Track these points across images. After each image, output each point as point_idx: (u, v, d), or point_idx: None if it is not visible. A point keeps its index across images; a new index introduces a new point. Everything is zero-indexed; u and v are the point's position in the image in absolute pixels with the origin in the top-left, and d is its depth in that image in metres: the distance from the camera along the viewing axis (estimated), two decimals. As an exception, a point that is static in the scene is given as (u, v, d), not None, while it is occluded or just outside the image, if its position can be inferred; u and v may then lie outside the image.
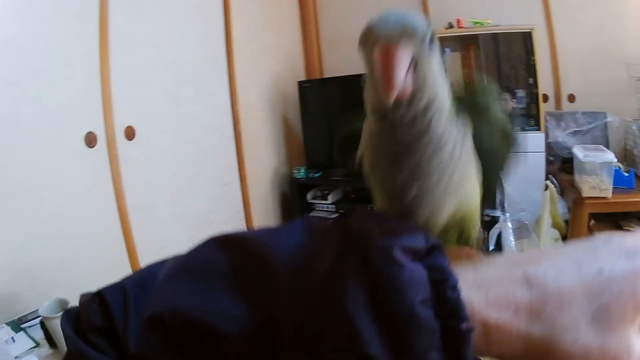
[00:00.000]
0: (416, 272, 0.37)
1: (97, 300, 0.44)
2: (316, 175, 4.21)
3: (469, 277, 0.41)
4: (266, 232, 0.45)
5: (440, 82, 0.54)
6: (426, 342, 0.36)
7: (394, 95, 0.45)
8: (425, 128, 0.52)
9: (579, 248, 0.44)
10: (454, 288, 0.38)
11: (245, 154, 3.89)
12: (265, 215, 4.23)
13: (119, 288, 0.45)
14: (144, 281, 0.46)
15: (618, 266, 0.40)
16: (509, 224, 3.46)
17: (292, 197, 4.29)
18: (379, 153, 0.55)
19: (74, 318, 0.44)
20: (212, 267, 0.43)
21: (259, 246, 0.42)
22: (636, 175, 3.44)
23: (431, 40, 0.51)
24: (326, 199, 4.14)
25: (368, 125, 0.56)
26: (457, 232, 0.59)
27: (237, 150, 3.86)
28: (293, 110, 4.43)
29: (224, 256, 0.43)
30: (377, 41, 0.47)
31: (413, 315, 0.36)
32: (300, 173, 4.19)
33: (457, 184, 0.56)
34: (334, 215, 4.11)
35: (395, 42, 0.46)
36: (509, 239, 3.45)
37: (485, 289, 0.40)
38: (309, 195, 4.22)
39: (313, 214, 4.18)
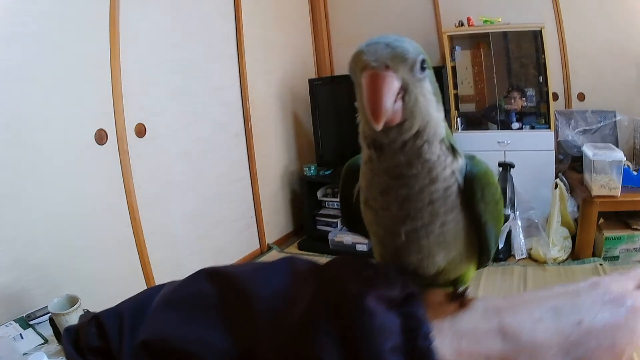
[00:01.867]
0: (388, 320, 0.39)
1: (94, 323, 0.47)
2: (327, 173, 4.19)
3: (445, 326, 0.43)
4: (252, 270, 0.49)
5: (432, 109, 0.51)
6: None
7: (382, 122, 0.43)
8: (415, 156, 0.49)
9: (562, 294, 0.45)
10: (426, 337, 0.40)
11: (255, 152, 3.91)
12: (276, 213, 4.26)
13: (115, 313, 0.48)
14: (139, 307, 0.49)
15: (599, 318, 0.41)
16: (519, 222, 3.47)
17: (302, 195, 4.29)
18: (371, 184, 0.52)
19: (73, 336, 0.48)
20: (202, 299, 0.47)
21: (244, 283, 0.46)
22: (645, 175, 3.43)
23: (423, 66, 0.49)
24: (336, 197, 4.10)
25: (363, 156, 0.53)
26: (451, 277, 0.57)
27: (248, 147, 3.87)
28: (304, 108, 4.44)
29: (213, 289, 0.47)
30: (366, 66, 0.45)
31: None
32: (311, 171, 4.18)
33: (452, 235, 0.52)
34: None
35: (383, 68, 0.44)
36: (519, 237, 3.46)
37: (459, 338, 0.42)
38: (319, 193, 4.22)
39: (323, 211, 4.19)
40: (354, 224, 0.61)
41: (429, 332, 0.40)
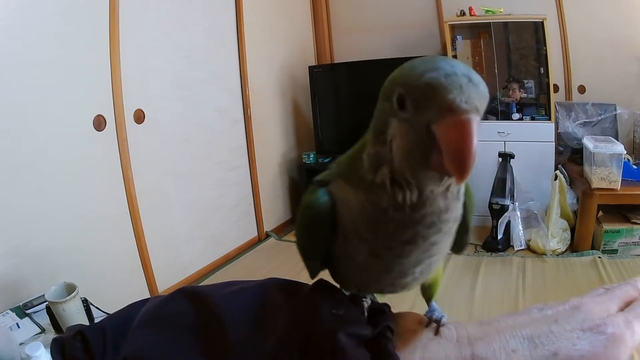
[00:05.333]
0: (359, 356, 0.39)
1: (79, 338, 0.47)
2: (326, 160, 4.20)
3: (416, 356, 0.42)
4: (230, 293, 0.48)
5: None
6: None
7: (467, 177, 0.35)
8: (454, 199, 0.42)
9: (539, 320, 0.43)
10: None
11: (254, 138, 3.90)
12: (274, 200, 4.25)
13: (99, 329, 0.48)
14: (122, 322, 0.49)
15: (577, 348, 0.40)
16: (518, 213, 3.48)
17: (301, 183, 4.29)
18: (387, 234, 0.42)
19: (61, 347, 0.47)
20: (180, 318, 0.46)
21: (220, 307, 0.45)
22: (645, 168, 3.44)
23: None
24: None
25: (370, 200, 0.42)
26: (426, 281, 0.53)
27: (247, 134, 3.86)
28: (303, 95, 4.43)
29: (191, 309, 0.46)
30: (453, 108, 0.34)
31: None
32: (310, 158, 4.19)
33: (444, 253, 0.48)
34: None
35: (475, 112, 0.35)
36: (518, 228, 3.47)
37: (432, 356, 0.41)
38: (318, 181, 4.18)
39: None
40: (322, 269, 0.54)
41: None
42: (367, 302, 0.48)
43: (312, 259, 0.50)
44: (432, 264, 0.47)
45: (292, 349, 0.40)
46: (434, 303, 0.51)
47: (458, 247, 0.50)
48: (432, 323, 0.47)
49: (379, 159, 0.40)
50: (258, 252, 3.87)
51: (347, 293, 0.51)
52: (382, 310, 0.47)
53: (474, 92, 0.35)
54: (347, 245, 0.46)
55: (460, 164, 0.34)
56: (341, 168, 0.47)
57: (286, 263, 3.53)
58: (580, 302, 0.45)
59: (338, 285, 0.51)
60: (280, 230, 4.29)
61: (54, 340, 0.48)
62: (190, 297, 0.48)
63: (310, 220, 0.47)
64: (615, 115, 3.84)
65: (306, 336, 0.41)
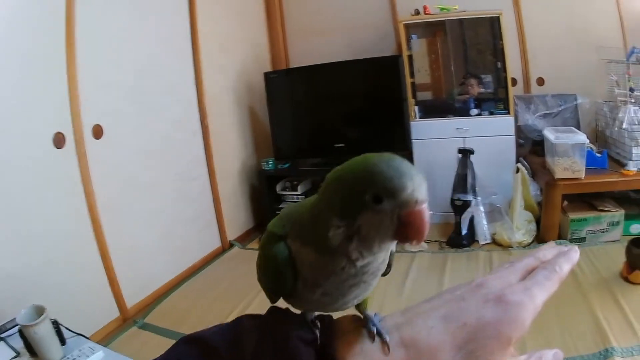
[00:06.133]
0: (305, 353, 0.50)
1: None
2: (285, 166, 4.16)
3: (356, 349, 0.51)
4: (219, 330, 0.56)
5: None
6: None
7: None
8: (387, 254, 0.55)
9: (451, 300, 0.50)
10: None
11: (213, 148, 3.84)
12: (236, 209, 4.20)
13: None
14: None
15: (481, 316, 0.47)
16: (481, 208, 3.45)
17: (262, 190, 4.23)
18: (335, 283, 0.54)
19: None
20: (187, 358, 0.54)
21: (214, 343, 0.54)
22: (609, 156, 3.45)
23: None
24: (296, 190, 4.10)
25: (311, 256, 0.53)
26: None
27: (205, 143, 3.81)
28: (260, 102, 4.38)
29: (194, 350, 0.54)
30: (416, 202, 0.46)
31: None
32: (269, 165, 4.14)
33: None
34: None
35: (425, 202, 0.47)
36: (482, 222, 3.44)
37: (370, 357, 0.50)
38: (278, 187, 4.17)
39: (283, 205, 4.13)
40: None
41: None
42: (312, 315, 0.58)
43: (275, 296, 0.60)
44: (367, 292, 0.57)
45: (263, 352, 0.51)
46: (368, 313, 0.57)
47: (385, 273, 0.60)
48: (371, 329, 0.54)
49: (345, 237, 0.48)
50: (223, 261, 3.82)
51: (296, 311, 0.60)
52: (322, 319, 0.57)
53: (424, 187, 0.46)
54: (304, 288, 0.55)
55: (422, 235, 0.46)
56: (292, 228, 0.55)
57: (251, 271, 3.32)
58: (484, 279, 0.51)
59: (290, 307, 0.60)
60: (244, 239, 4.24)
61: None
62: (191, 340, 0.56)
63: (277, 270, 0.56)
64: (576, 105, 3.86)
65: (272, 342, 0.52)
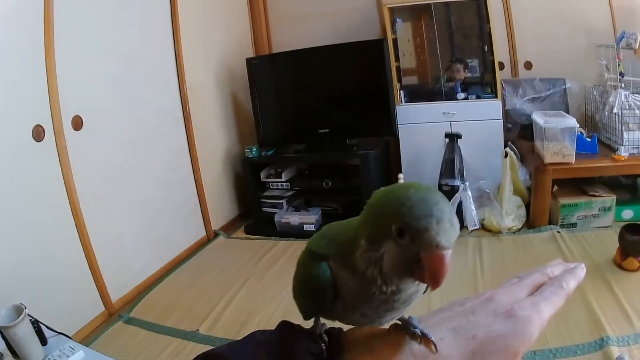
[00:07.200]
0: None
1: None
2: (269, 153, 4.09)
3: (365, 357, 0.52)
4: (232, 346, 0.57)
5: None
6: None
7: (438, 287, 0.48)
8: (419, 289, 0.55)
9: (460, 313, 0.53)
10: None
11: (195, 136, 3.77)
12: (220, 198, 4.15)
13: None
14: None
15: (491, 330, 0.49)
16: (469, 193, 3.39)
17: (246, 177, 4.15)
18: (373, 306, 0.55)
19: None
20: None
21: (228, 357, 0.55)
22: (599, 141, 3.41)
23: None
24: (280, 177, 4.04)
25: (349, 279, 0.55)
26: None
27: (187, 132, 3.73)
28: (242, 89, 4.31)
29: None
30: (438, 247, 0.46)
31: None
32: (253, 152, 4.06)
33: None
34: (289, 194, 4.10)
35: (450, 249, 0.46)
36: (470, 208, 3.38)
37: None
38: (262, 174, 4.11)
39: (267, 192, 4.11)
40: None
41: None
42: (320, 329, 0.59)
43: (313, 314, 0.62)
44: (403, 313, 0.58)
45: None
46: (404, 317, 0.57)
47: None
48: (415, 334, 0.54)
49: (369, 261, 0.50)
50: (208, 252, 3.76)
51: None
52: (330, 333, 0.59)
53: (452, 234, 0.46)
54: (343, 308, 0.57)
55: (438, 281, 0.46)
56: (335, 249, 0.56)
57: (237, 261, 3.45)
58: (493, 293, 0.54)
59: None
60: (229, 228, 4.19)
61: None
62: (206, 357, 0.56)
63: (318, 290, 0.58)
64: (565, 89, 3.83)
65: (282, 353, 0.54)
